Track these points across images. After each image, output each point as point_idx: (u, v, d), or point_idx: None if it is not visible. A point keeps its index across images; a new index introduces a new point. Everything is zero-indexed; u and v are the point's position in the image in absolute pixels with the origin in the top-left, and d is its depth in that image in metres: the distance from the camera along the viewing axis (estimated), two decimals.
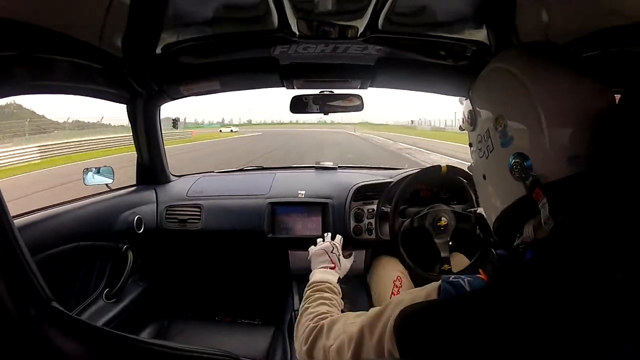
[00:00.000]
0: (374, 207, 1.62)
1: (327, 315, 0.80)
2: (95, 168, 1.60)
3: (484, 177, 0.66)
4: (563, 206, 0.52)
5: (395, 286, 1.34)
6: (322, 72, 1.43)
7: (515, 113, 0.57)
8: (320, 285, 0.93)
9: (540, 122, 0.53)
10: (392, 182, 1.64)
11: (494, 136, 0.61)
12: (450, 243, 1.38)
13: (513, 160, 0.56)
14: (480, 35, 1.03)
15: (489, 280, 0.61)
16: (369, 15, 0.92)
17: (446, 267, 1.32)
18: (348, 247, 1.64)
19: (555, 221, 0.52)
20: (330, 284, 0.94)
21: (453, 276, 0.65)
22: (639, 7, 0.62)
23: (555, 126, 0.53)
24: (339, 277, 1.03)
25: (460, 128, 0.80)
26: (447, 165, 1.42)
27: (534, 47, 0.63)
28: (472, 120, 0.69)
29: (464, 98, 0.77)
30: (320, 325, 0.74)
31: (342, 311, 1.35)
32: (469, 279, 0.63)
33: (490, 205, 0.66)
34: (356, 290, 1.57)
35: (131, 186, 1.74)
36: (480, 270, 0.66)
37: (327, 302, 0.87)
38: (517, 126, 0.57)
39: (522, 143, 0.56)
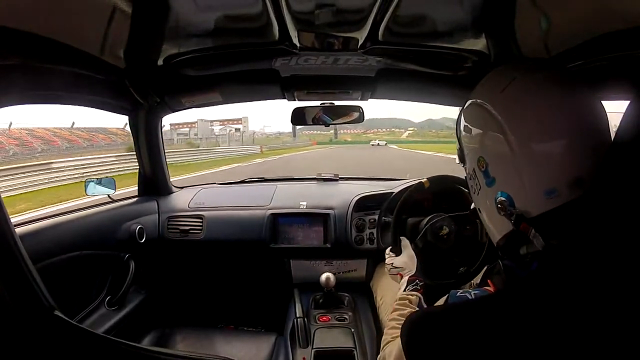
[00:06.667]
0: (376, 217, 1.63)
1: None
2: (97, 179, 1.60)
3: (479, 210, 0.71)
4: (555, 234, 0.55)
5: None
6: (323, 84, 1.45)
7: (493, 155, 0.61)
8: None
9: (515, 161, 0.57)
10: (393, 192, 1.65)
11: (480, 176, 0.65)
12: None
13: (497, 199, 0.60)
14: (480, 44, 1.03)
15: (497, 290, 0.61)
16: (369, 27, 0.93)
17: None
18: (348, 256, 1.64)
19: (552, 245, 0.55)
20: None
21: (461, 290, 0.66)
22: (638, 12, 0.61)
23: (529, 163, 0.56)
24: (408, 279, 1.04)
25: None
26: (428, 179, 1.38)
27: (506, 74, 0.64)
28: (461, 157, 0.74)
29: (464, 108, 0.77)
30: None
31: (345, 319, 1.36)
32: (476, 292, 0.64)
33: (490, 232, 0.71)
34: (358, 298, 1.56)
35: (133, 197, 1.75)
36: (489, 281, 0.66)
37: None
38: (496, 167, 0.61)
39: (503, 183, 0.60)
